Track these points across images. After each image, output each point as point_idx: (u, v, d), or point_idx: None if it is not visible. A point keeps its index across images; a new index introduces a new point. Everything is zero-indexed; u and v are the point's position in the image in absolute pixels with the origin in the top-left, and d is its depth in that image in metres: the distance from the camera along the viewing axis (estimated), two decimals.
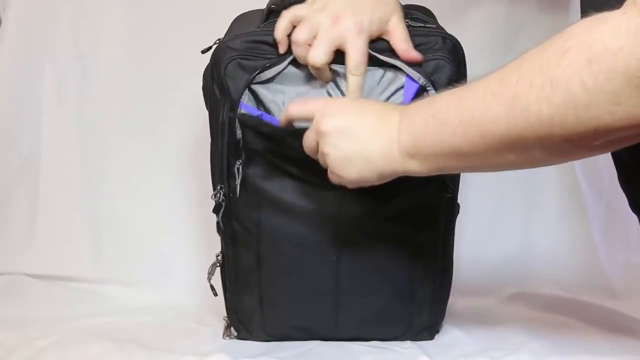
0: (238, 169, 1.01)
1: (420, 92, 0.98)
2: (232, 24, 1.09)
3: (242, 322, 1.09)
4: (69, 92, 1.40)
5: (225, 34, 1.05)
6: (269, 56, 0.99)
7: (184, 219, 1.37)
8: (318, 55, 0.95)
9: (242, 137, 1.00)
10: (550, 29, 1.36)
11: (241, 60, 0.98)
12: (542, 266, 1.32)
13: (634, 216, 1.39)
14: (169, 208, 1.38)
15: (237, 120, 0.99)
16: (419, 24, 1.01)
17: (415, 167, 0.85)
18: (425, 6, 1.10)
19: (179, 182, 1.38)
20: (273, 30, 0.99)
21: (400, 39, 0.98)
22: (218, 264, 1.08)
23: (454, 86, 0.85)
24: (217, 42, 1.03)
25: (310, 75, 0.98)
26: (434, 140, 0.82)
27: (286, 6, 1.01)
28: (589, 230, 1.37)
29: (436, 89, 0.97)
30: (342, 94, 0.99)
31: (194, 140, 1.32)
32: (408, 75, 0.98)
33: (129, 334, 1.12)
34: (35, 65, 1.40)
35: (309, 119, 0.92)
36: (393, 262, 1.04)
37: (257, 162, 1.01)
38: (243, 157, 1.01)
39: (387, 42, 0.99)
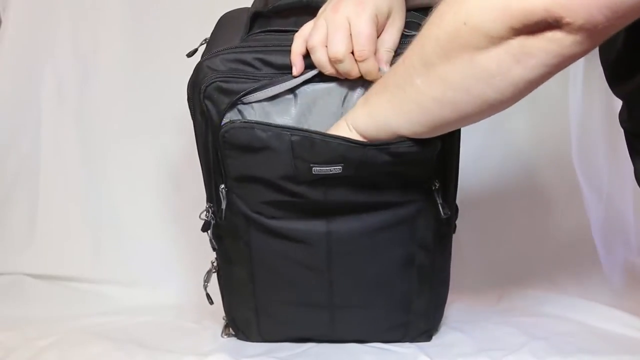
0: (222, 192, 0.98)
1: None
2: (216, 27, 1.05)
3: (240, 328, 1.09)
4: (69, 92, 1.41)
5: (209, 39, 1.01)
6: (251, 77, 0.92)
7: (183, 219, 1.36)
8: (336, 46, 0.87)
9: (223, 162, 0.95)
10: None
11: (221, 83, 0.91)
12: (542, 266, 1.32)
13: (634, 216, 1.39)
14: (168, 208, 1.38)
15: (219, 144, 0.94)
16: (413, 33, 0.89)
17: (361, 116, 0.89)
18: None
19: (179, 182, 1.38)
20: (255, 46, 0.93)
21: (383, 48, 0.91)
22: (214, 271, 1.07)
23: None
24: (204, 42, 1.00)
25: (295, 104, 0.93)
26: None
27: (270, 10, 0.98)
28: (589, 230, 1.36)
29: None
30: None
31: (194, 141, 1.32)
32: None
33: (129, 334, 1.13)
34: (35, 65, 1.40)
35: None
36: (386, 275, 1.02)
37: (240, 188, 0.97)
38: (227, 183, 0.97)
39: None
